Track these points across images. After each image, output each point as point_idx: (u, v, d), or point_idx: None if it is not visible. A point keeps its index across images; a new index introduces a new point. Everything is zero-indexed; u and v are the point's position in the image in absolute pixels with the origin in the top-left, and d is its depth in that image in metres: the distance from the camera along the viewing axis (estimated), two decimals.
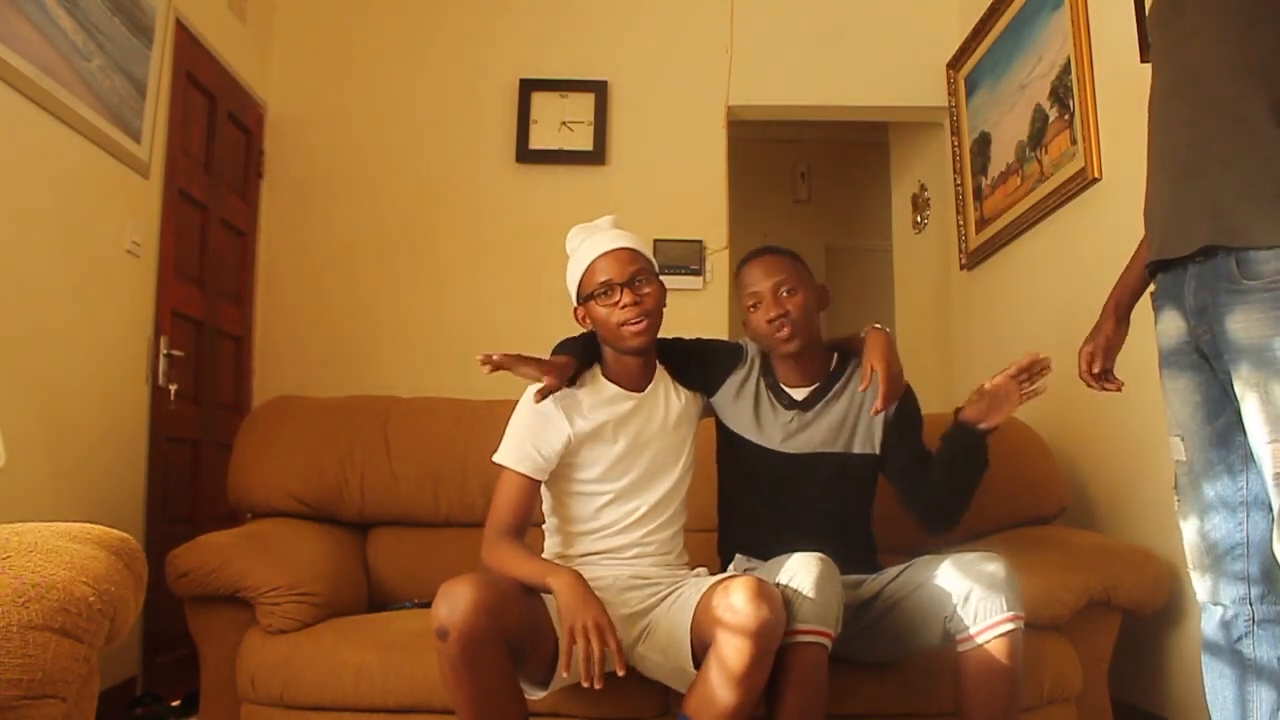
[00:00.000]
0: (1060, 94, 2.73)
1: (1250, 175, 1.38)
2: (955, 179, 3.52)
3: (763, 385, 1.97)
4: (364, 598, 2.32)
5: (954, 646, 1.69)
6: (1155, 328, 1.58)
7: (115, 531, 1.34)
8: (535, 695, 1.71)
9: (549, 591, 1.64)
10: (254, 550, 2.02)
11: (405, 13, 3.67)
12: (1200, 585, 1.53)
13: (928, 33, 3.62)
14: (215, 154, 3.13)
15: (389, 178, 3.58)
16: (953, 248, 3.59)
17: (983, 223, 3.30)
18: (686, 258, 3.53)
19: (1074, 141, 2.63)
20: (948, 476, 1.87)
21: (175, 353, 2.75)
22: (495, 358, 1.69)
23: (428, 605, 1.57)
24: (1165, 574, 2.03)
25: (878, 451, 1.96)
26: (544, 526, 1.93)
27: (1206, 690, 1.53)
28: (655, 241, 3.28)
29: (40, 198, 2.21)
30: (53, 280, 2.26)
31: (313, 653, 1.90)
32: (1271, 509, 1.36)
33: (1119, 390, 1.77)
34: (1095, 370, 1.75)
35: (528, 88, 3.62)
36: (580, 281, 1.85)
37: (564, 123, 3.61)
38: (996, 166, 3.19)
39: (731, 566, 1.94)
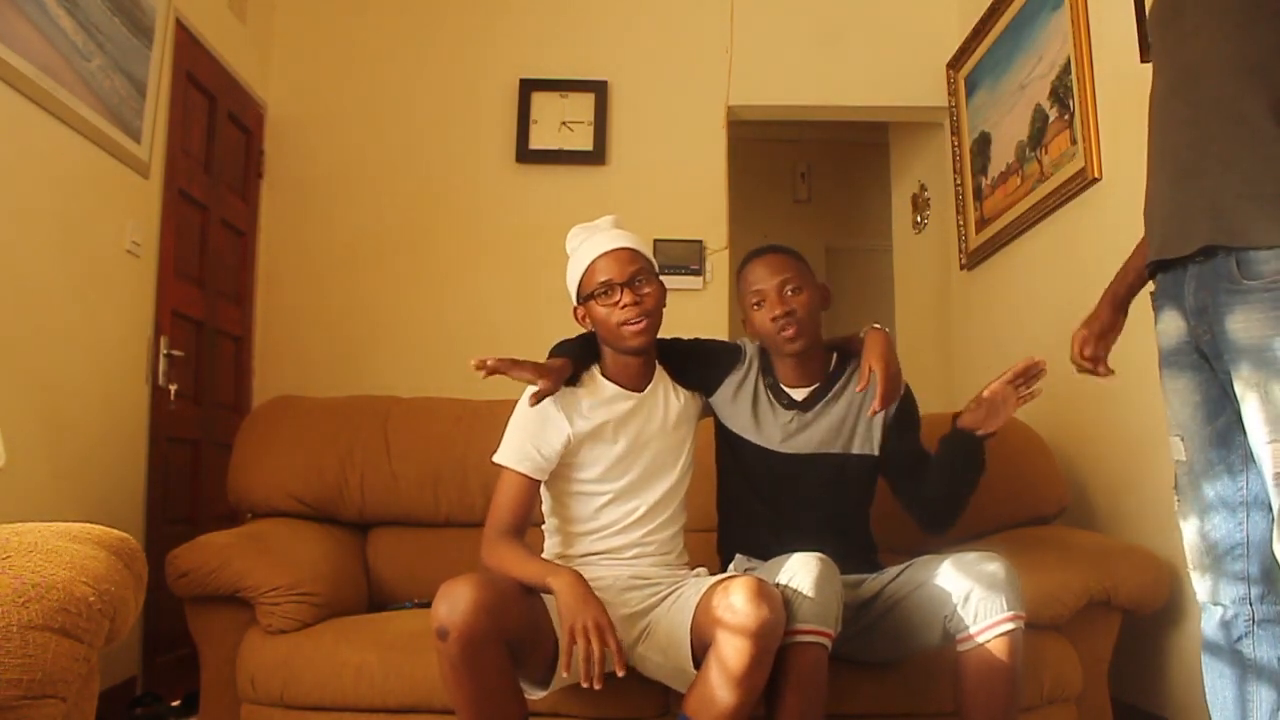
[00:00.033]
0: (1060, 94, 2.73)
1: (1250, 175, 1.38)
2: (955, 179, 3.52)
3: (762, 385, 1.97)
4: (364, 598, 2.32)
5: (954, 646, 1.69)
6: (1155, 328, 1.58)
7: (115, 531, 1.34)
8: (535, 695, 1.71)
9: (549, 591, 1.64)
10: (254, 550, 2.02)
11: (405, 13, 3.67)
12: (1200, 585, 1.53)
13: (928, 33, 3.62)
14: (215, 154, 3.13)
15: (389, 178, 3.58)
16: (953, 248, 3.59)
17: (983, 223, 3.30)
18: (686, 258, 3.53)
19: (1074, 141, 2.63)
20: (945, 479, 1.87)
21: (175, 353, 2.75)
22: (490, 363, 1.68)
23: (428, 605, 1.57)
24: (1165, 574, 2.03)
25: (876, 452, 1.96)
26: (544, 527, 1.93)
27: (1206, 690, 1.53)
28: (655, 241, 3.28)
29: (40, 198, 2.21)
30: (53, 280, 2.26)
31: (313, 653, 1.90)
32: (1271, 509, 1.36)
33: (1109, 376, 1.76)
34: (1086, 354, 1.75)
35: (528, 88, 3.62)
36: (580, 281, 1.85)
37: (564, 123, 3.61)
38: (996, 166, 3.19)
39: (731, 566, 1.94)
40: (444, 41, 3.66)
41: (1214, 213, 1.40)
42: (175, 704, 2.45)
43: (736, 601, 1.52)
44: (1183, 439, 1.53)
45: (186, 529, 2.51)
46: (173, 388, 2.72)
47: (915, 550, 1.95)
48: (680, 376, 1.98)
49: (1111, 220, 2.40)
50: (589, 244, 1.86)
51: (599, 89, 3.62)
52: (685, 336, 2.03)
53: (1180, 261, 1.48)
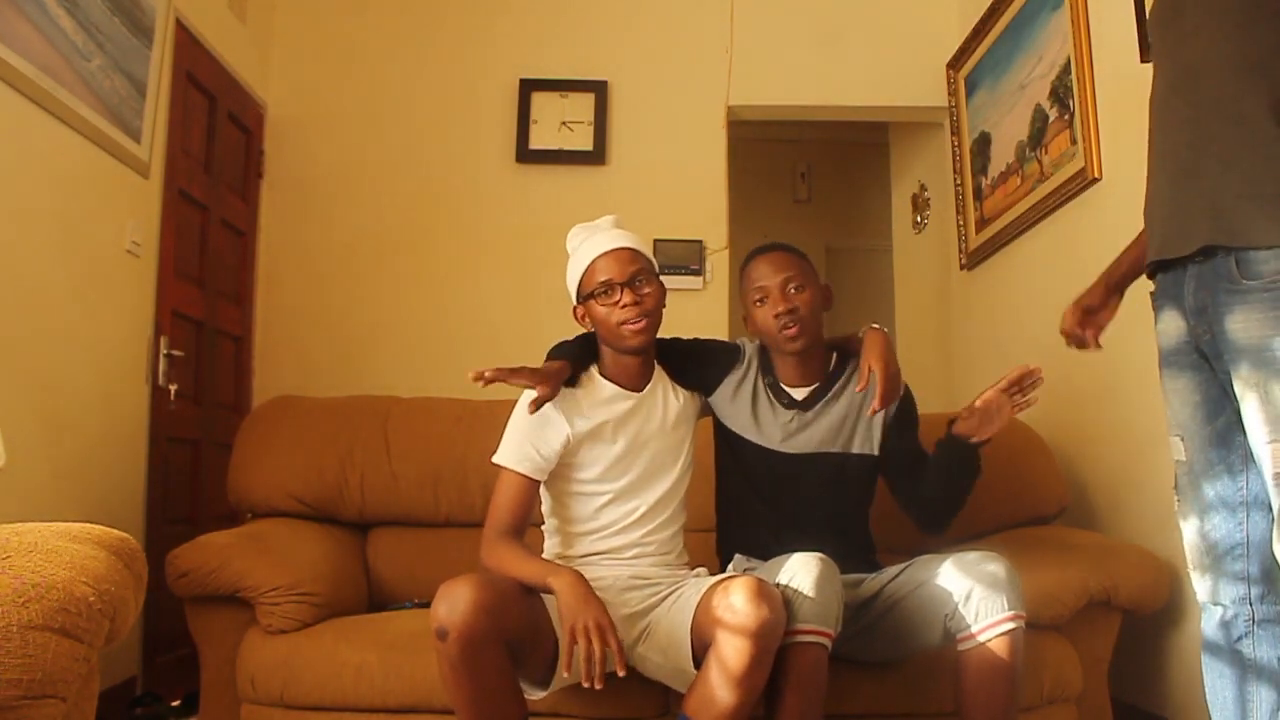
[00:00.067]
0: (1060, 94, 2.73)
1: (1250, 175, 1.38)
2: (955, 179, 3.52)
3: (762, 384, 1.97)
4: (364, 598, 2.32)
5: (954, 645, 1.69)
6: (1155, 328, 1.58)
7: (115, 531, 1.34)
8: (535, 695, 1.71)
9: (550, 592, 1.64)
10: (254, 550, 2.02)
11: (405, 13, 3.67)
12: (1200, 585, 1.53)
13: (928, 33, 3.62)
14: (215, 154, 3.13)
15: (389, 178, 3.58)
16: (953, 248, 3.59)
17: (983, 223, 3.30)
18: (686, 258, 3.53)
19: (1074, 141, 2.63)
20: (941, 482, 1.88)
21: (175, 353, 2.75)
22: (488, 374, 1.66)
23: (428, 605, 1.57)
24: (1165, 574, 2.03)
25: (876, 452, 1.96)
26: (544, 527, 1.93)
27: (1206, 690, 1.53)
28: (655, 241, 3.28)
29: (40, 198, 2.21)
30: (53, 280, 2.26)
31: (313, 653, 1.90)
32: (1271, 509, 1.36)
33: (1094, 349, 1.74)
34: (1065, 326, 1.74)
35: (528, 88, 3.62)
36: (580, 280, 1.85)
37: (564, 123, 3.61)
38: (996, 166, 3.19)
39: (730, 567, 1.94)
40: (444, 41, 3.66)
41: (1214, 212, 1.40)
42: (175, 704, 2.45)
43: (737, 601, 1.52)
44: (1183, 439, 1.53)
45: (186, 529, 2.50)
46: (173, 388, 2.72)
47: (914, 550, 1.95)
48: (679, 376, 1.98)
49: (1111, 220, 2.40)
50: (589, 243, 1.86)
51: (599, 89, 3.62)
52: (684, 336, 2.03)
53: (1180, 261, 1.48)
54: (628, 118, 3.64)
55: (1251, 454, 1.40)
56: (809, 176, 5.68)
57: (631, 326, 1.80)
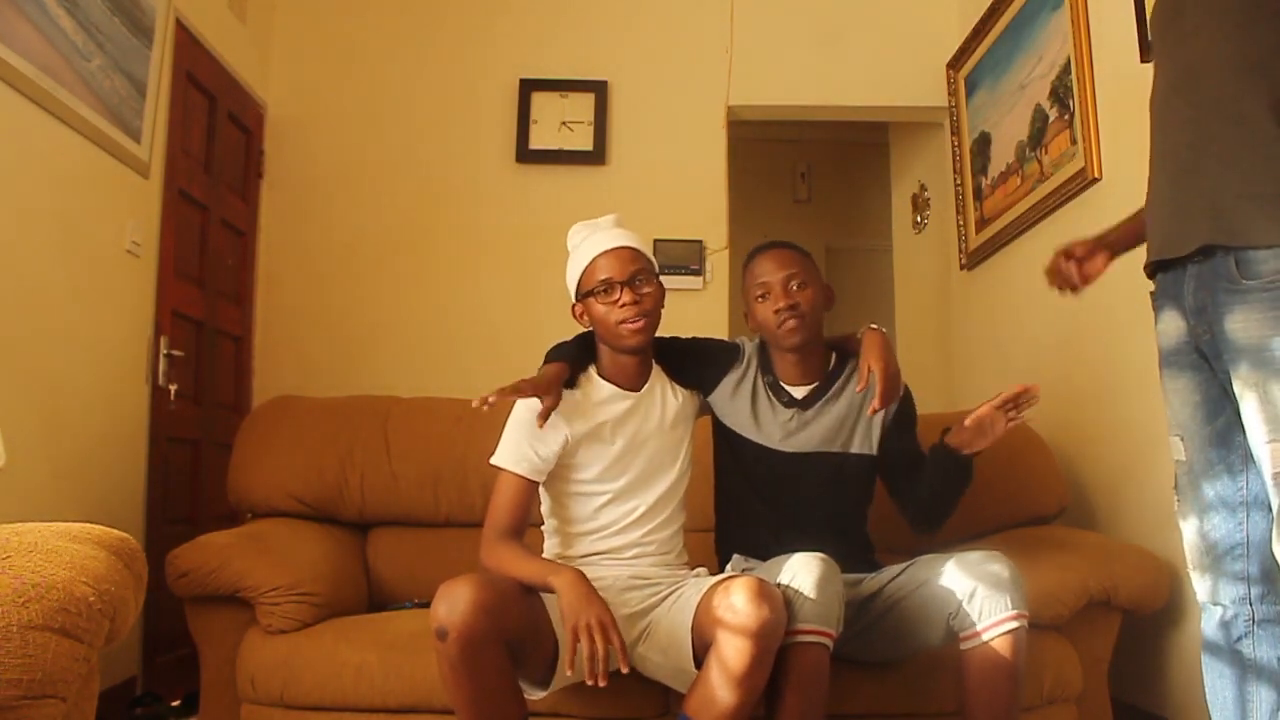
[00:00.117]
0: (1060, 94, 2.73)
1: (1250, 175, 1.38)
2: (955, 179, 3.52)
3: (761, 383, 1.97)
4: (364, 598, 2.32)
5: (957, 644, 1.69)
6: (1155, 328, 1.58)
7: (115, 531, 1.34)
8: (535, 695, 1.71)
9: (551, 591, 1.64)
10: (254, 550, 2.01)
11: (405, 13, 3.67)
12: (1200, 585, 1.53)
13: (928, 33, 3.62)
14: (215, 154, 3.13)
15: (389, 178, 3.58)
16: (953, 248, 3.59)
17: (983, 223, 3.30)
18: (686, 258, 3.53)
19: (1074, 141, 2.63)
20: (933, 486, 1.89)
21: (175, 353, 2.75)
22: (491, 400, 1.65)
23: (428, 605, 1.56)
24: (1165, 574, 2.03)
25: (875, 452, 1.96)
26: (543, 528, 1.93)
27: (1206, 690, 1.53)
28: (655, 241, 3.28)
29: (40, 198, 2.21)
30: (53, 280, 2.26)
31: (313, 653, 1.90)
32: (1271, 509, 1.36)
33: (1073, 292, 1.72)
34: (1051, 263, 1.72)
35: (528, 88, 3.62)
36: (580, 278, 1.85)
37: (564, 123, 3.61)
38: (996, 166, 3.19)
39: (729, 567, 1.94)
40: (444, 41, 3.66)
41: (1213, 212, 1.41)
42: (175, 704, 2.45)
43: (737, 601, 1.52)
44: (1182, 439, 1.53)
45: (186, 529, 2.50)
46: (173, 388, 2.72)
47: (915, 550, 1.95)
48: (678, 375, 1.98)
49: (1111, 220, 2.37)
50: (590, 241, 1.86)
51: (599, 89, 3.62)
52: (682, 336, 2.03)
53: (1180, 261, 1.48)
54: (628, 118, 3.64)
55: (1251, 454, 1.40)
56: (809, 176, 5.68)
57: (630, 326, 1.80)
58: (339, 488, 2.36)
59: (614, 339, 1.84)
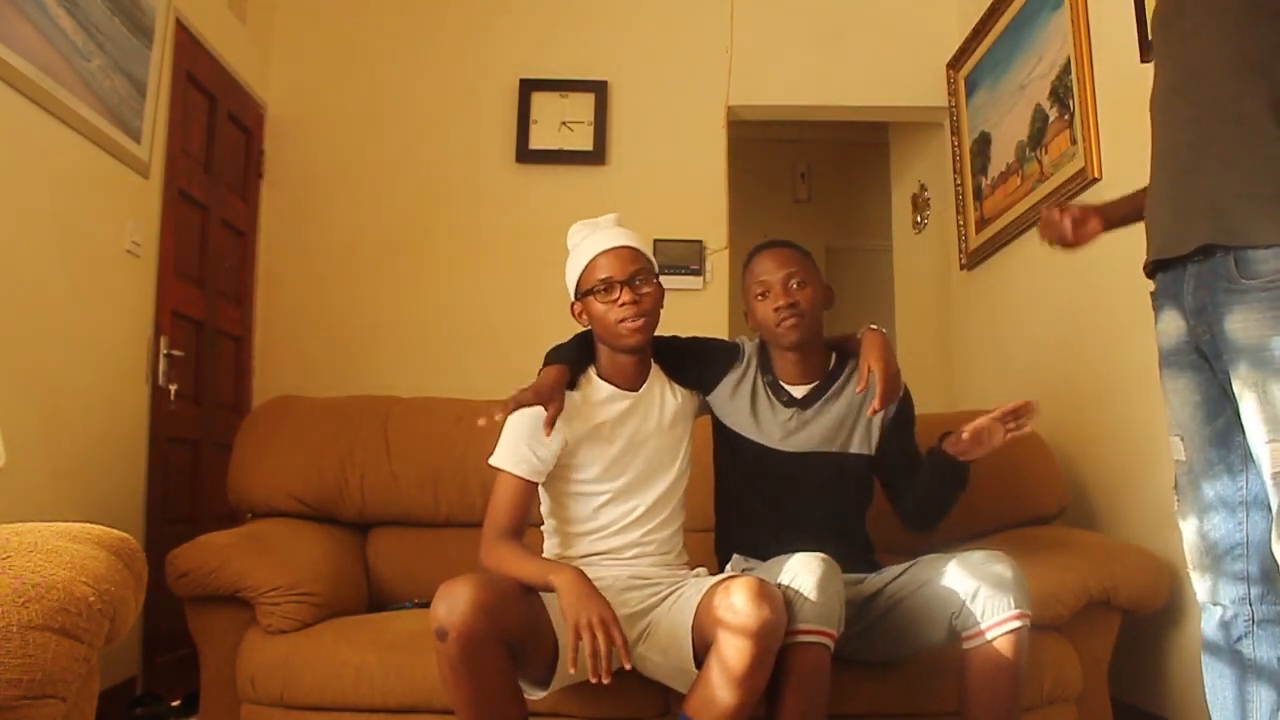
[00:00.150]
0: (1060, 94, 2.73)
1: (1250, 175, 1.38)
2: (955, 179, 3.52)
3: (761, 382, 1.98)
4: (364, 598, 2.32)
5: (959, 643, 1.69)
6: (1155, 327, 1.58)
7: (115, 531, 1.34)
8: (535, 695, 1.71)
9: (551, 590, 1.63)
10: (254, 550, 2.01)
11: (405, 13, 3.67)
12: (1200, 585, 1.53)
13: (928, 33, 3.62)
14: (215, 154, 3.13)
15: (389, 178, 3.58)
16: (953, 248, 3.59)
17: (983, 223, 3.30)
18: (686, 258, 3.53)
19: (1074, 141, 2.63)
20: (929, 490, 1.90)
21: (175, 353, 2.75)
22: (498, 416, 1.68)
23: (428, 605, 1.56)
24: (1165, 574, 2.03)
25: (874, 452, 1.96)
26: (543, 528, 1.93)
27: (1206, 690, 1.53)
28: (655, 241, 3.28)
29: (40, 198, 2.21)
30: (53, 280, 2.26)
31: (313, 653, 1.90)
32: (1271, 509, 1.36)
33: (1062, 245, 1.70)
34: (1044, 211, 1.70)
35: (528, 88, 3.62)
36: (580, 277, 1.85)
37: (564, 123, 3.61)
38: (996, 166, 3.19)
39: (729, 567, 1.94)
40: (444, 41, 3.66)
41: (1213, 212, 1.41)
42: (175, 704, 2.45)
43: (738, 601, 1.52)
44: (1182, 439, 1.53)
45: (186, 529, 2.51)
46: (173, 388, 2.72)
47: (914, 550, 1.95)
48: (677, 374, 1.98)
49: None
50: (591, 240, 1.86)
51: (599, 89, 3.62)
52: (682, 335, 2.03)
53: (1179, 261, 1.48)
54: (628, 118, 3.64)
55: (1251, 454, 1.40)
56: (809, 176, 5.68)
57: (629, 325, 1.80)
58: (339, 488, 2.36)
59: (613, 338, 1.84)
